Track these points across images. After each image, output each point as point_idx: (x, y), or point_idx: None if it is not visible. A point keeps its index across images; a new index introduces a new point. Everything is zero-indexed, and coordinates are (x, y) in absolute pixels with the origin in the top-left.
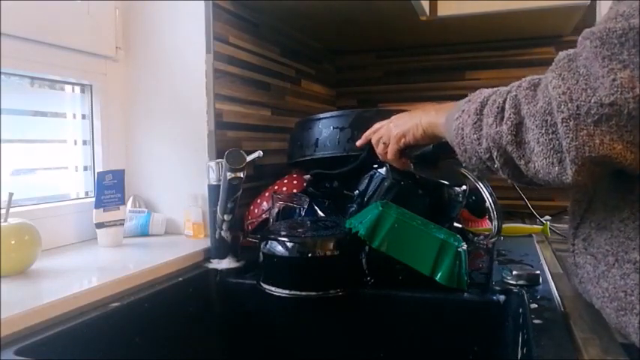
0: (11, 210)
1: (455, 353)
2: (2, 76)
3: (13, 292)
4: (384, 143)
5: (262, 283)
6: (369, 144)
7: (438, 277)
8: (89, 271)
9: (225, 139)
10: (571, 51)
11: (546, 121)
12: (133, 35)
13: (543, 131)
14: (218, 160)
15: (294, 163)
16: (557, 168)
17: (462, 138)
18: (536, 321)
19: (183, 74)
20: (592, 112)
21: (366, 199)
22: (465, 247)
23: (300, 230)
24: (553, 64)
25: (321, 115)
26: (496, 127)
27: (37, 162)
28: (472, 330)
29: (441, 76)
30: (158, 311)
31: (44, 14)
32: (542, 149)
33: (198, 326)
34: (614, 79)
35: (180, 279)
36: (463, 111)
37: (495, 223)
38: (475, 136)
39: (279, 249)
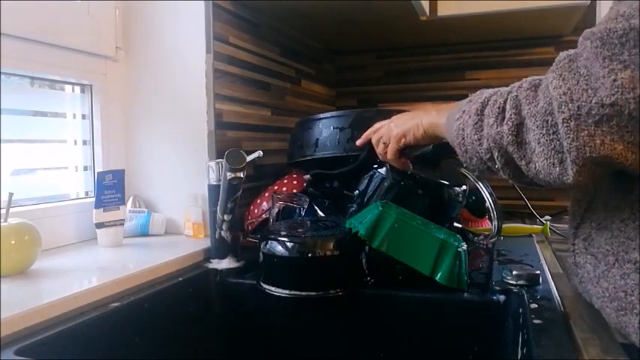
0: (11, 210)
1: (455, 353)
2: (2, 76)
3: (13, 292)
4: (384, 143)
5: (262, 283)
6: (369, 144)
7: (438, 277)
8: (89, 271)
9: (225, 139)
10: (571, 51)
11: (547, 121)
12: (133, 35)
13: (544, 132)
14: (218, 160)
15: (295, 163)
16: (558, 168)
17: (463, 138)
18: (536, 321)
19: (183, 74)
20: (593, 112)
21: (366, 199)
22: (465, 247)
23: (300, 230)
24: (554, 64)
25: (322, 115)
26: (497, 128)
27: (37, 162)
28: (472, 330)
29: (441, 76)
30: (158, 311)
31: (44, 14)
32: (543, 150)
33: (198, 326)
34: (614, 80)
35: (180, 279)
36: (464, 111)
37: (495, 223)
38: (476, 136)
39: (279, 249)
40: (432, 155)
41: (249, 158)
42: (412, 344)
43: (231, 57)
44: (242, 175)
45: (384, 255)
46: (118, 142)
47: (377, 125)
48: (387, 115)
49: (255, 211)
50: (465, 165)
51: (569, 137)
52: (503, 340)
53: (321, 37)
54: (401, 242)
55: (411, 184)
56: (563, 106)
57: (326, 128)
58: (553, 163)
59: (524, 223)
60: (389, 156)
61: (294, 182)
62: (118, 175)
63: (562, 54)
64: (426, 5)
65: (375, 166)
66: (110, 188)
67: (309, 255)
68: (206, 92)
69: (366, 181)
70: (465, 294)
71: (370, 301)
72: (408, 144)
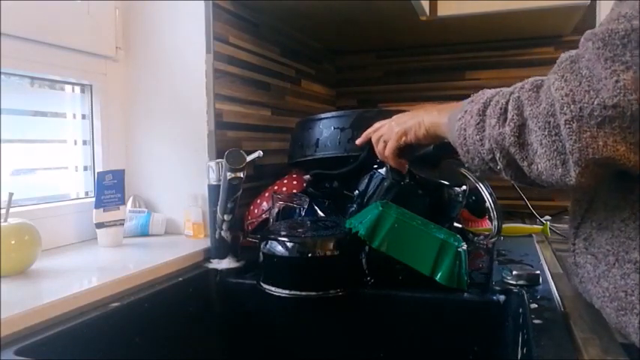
0: (11, 210)
1: (455, 353)
2: (2, 76)
3: (13, 292)
4: (384, 141)
5: (262, 283)
6: (369, 144)
7: (438, 277)
8: (89, 271)
9: (225, 139)
10: (573, 52)
11: (549, 122)
12: (133, 35)
13: (546, 133)
14: (218, 160)
15: (295, 163)
16: (560, 170)
17: (465, 139)
18: (536, 321)
19: (183, 74)
20: (595, 113)
21: (366, 199)
22: (465, 247)
23: (300, 230)
24: (555, 65)
25: (322, 116)
26: (499, 129)
27: (37, 162)
28: (472, 330)
29: (441, 76)
30: (158, 311)
31: (44, 14)
32: (546, 151)
33: (198, 326)
34: (617, 81)
35: (180, 279)
36: (466, 111)
37: (495, 223)
38: (478, 137)
39: (279, 249)
40: (432, 156)
41: (249, 158)
42: (412, 344)
43: (231, 57)
44: (242, 175)
45: (384, 255)
46: (118, 142)
47: (377, 124)
48: (388, 115)
49: (255, 211)
50: (466, 165)
51: (571, 139)
52: (503, 340)
53: (321, 37)
54: (401, 242)
55: (411, 184)
56: (565, 108)
57: (326, 128)
58: (555, 165)
59: (524, 223)
60: (387, 153)
61: (294, 182)
62: (118, 175)
63: (564, 55)
64: (426, 5)
65: (375, 166)
66: (110, 188)
67: (309, 255)
68: (206, 92)
69: (366, 181)
70: (465, 294)
71: (370, 301)
72: (409, 142)
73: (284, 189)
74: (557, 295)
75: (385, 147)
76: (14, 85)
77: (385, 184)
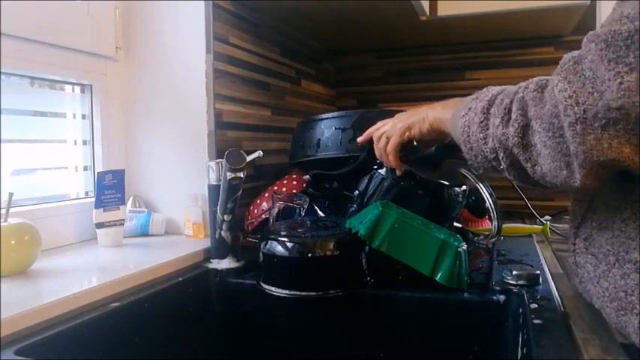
0: (11, 210)
1: (455, 353)
2: (2, 76)
3: (13, 292)
4: (387, 137)
5: (262, 283)
6: (369, 145)
7: (438, 277)
8: (89, 271)
9: (225, 139)
10: (575, 53)
11: (553, 124)
12: (133, 35)
13: (550, 134)
14: (218, 160)
15: (296, 163)
16: (565, 172)
17: (468, 136)
18: (536, 321)
19: (183, 74)
20: (599, 116)
21: (365, 199)
22: (465, 247)
23: (300, 230)
24: (558, 66)
25: (323, 116)
26: (502, 129)
27: (37, 162)
28: (472, 330)
29: (441, 76)
30: (158, 311)
31: (44, 14)
32: (550, 152)
33: (198, 326)
34: (620, 83)
35: (180, 279)
36: (470, 109)
37: (495, 223)
38: (481, 135)
39: (279, 249)
40: (434, 157)
41: (249, 158)
42: (412, 344)
43: (231, 57)
44: (242, 175)
45: (384, 255)
46: (118, 142)
47: (380, 123)
48: (389, 115)
49: (255, 211)
50: (469, 162)
51: (575, 141)
52: (503, 340)
53: (321, 37)
54: (401, 242)
55: (411, 184)
56: (568, 110)
57: (328, 129)
58: (560, 166)
59: (524, 223)
60: (389, 149)
61: (294, 182)
62: (118, 175)
63: (566, 56)
64: (426, 5)
65: (375, 167)
66: (110, 188)
67: (309, 255)
68: (206, 92)
69: (366, 181)
70: (465, 294)
71: (370, 301)
72: (413, 137)
73: (284, 189)
74: (557, 295)
75: (387, 143)
76: (14, 85)
77: (385, 184)
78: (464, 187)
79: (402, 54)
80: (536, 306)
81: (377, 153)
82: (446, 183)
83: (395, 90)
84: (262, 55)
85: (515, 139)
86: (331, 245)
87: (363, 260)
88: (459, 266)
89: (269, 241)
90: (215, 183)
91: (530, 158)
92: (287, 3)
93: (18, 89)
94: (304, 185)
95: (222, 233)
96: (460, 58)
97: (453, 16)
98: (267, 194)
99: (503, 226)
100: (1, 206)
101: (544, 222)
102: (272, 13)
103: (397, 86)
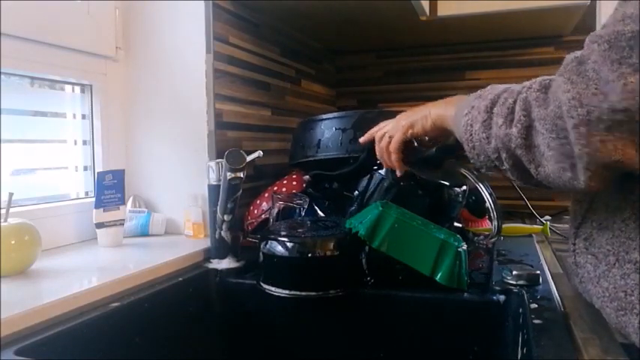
0: (11, 210)
1: (455, 353)
2: (2, 76)
3: (13, 292)
4: (389, 136)
5: (262, 283)
6: (369, 145)
7: (438, 277)
8: (89, 271)
9: (225, 139)
10: (578, 53)
11: (557, 125)
12: (133, 35)
13: (554, 135)
14: (218, 160)
15: (296, 163)
16: (569, 173)
17: (471, 134)
18: (536, 321)
19: (183, 74)
20: (604, 117)
21: (365, 199)
22: (465, 247)
23: (300, 230)
24: (561, 67)
25: (324, 116)
26: (505, 129)
27: (37, 162)
28: (472, 330)
29: (441, 76)
30: (158, 311)
31: (44, 14)
32: (553, 154)
33: (198, 326)
34: (625, 84)
35: (180, 279)
36: (473, 107)
37: (495, 223)
38: (484, 134)
39: (279, 249)
40: (435, 158)
41: (249, 158)
42: (412, 344)
43: (231, 57)
44: (242, 175)
45: (384, 255)
46: (118, 142)
47: (382, 124)
48: (390, 116)
49: (255, 211)
50: (472, 161)
51: (579, 143)
52: (503, 340)
53: (321, 37)
54: (401, 242)
55: (411, 184)
56: (572, 111)
57: (328, 129)
58: (564, 168)
59: (524, 223)
60: (392, 147)
61: (294, 182)
62: (118, 175)
63: (569, 56)
64: (426, 5)
65: (375, 167)
66: (110, 188)
67: (309, 255)
68: (206, 92)
69: (366, 181)
70: (465, 294)
71: (370, 301)
72: (415, 135)
73: (284, 189)
74: (557, 295)
75: (390, 142)
76: (14, 85)
77: (385, 184)
78: (464, 187)
79: (402, 54)
80: (536, 306)
81: (378, 153)
82: (446, 183)
83: (395, 90)
84: (262, 55)
85: (519, 140)
86: (331, 245)
87: (363, 260)
88: (459, 266)
89: (269, 241)
90: (215, 183)
91: (533, 159)
92: (287, 3)
93: (18, 89)
94: (304, 185)
95: (222, 233)
96: (460, 58)
97: (453, 16)
98: (267, 194)
99: (503, 226)
100: (1, 206)
101: (544, 222)
102: (272, 13)
103: (397, 86)
